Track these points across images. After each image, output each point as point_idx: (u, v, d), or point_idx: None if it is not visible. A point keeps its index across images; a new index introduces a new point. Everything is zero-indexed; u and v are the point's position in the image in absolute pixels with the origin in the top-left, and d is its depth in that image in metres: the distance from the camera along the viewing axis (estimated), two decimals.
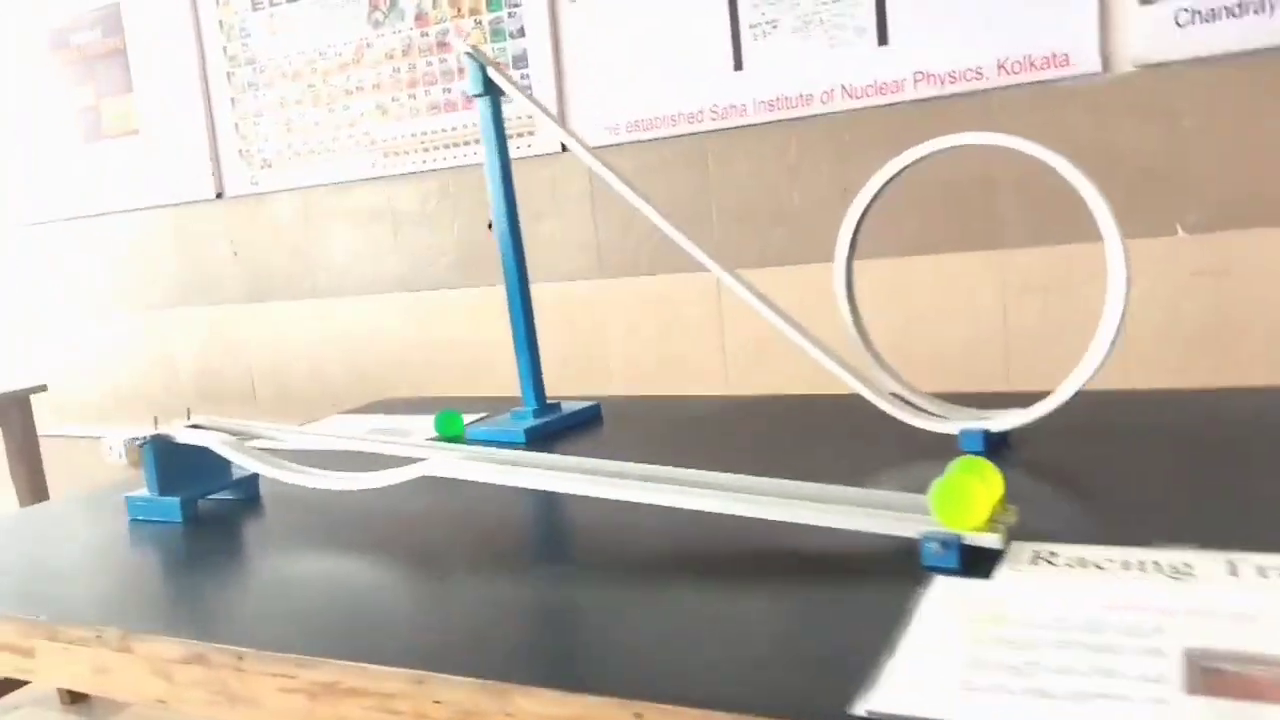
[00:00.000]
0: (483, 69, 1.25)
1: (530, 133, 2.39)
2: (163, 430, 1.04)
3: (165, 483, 1.02)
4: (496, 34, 2.39)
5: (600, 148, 2.32)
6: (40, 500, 2.45)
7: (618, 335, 2.38)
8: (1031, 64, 1.85)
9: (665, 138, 2.24)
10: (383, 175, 2.61)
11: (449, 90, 2.48)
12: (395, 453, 0.98)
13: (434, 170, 2.54)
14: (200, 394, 3.03)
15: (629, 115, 2.27)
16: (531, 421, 1.26)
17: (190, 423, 1.06)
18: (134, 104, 2.93)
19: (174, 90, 2.86)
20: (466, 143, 2.48)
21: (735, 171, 2.18)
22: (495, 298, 2.51)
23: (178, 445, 1.03)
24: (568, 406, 1.34)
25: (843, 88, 2.02)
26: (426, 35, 2.48)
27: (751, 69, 2.11)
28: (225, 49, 2.76)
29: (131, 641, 0.73)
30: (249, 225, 2.85)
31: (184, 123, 2.86)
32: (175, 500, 1.01)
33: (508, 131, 2.44)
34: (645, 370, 2.37)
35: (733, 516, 0.77)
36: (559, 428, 1.28)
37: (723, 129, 2.16)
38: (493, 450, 0.93)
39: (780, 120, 2.11)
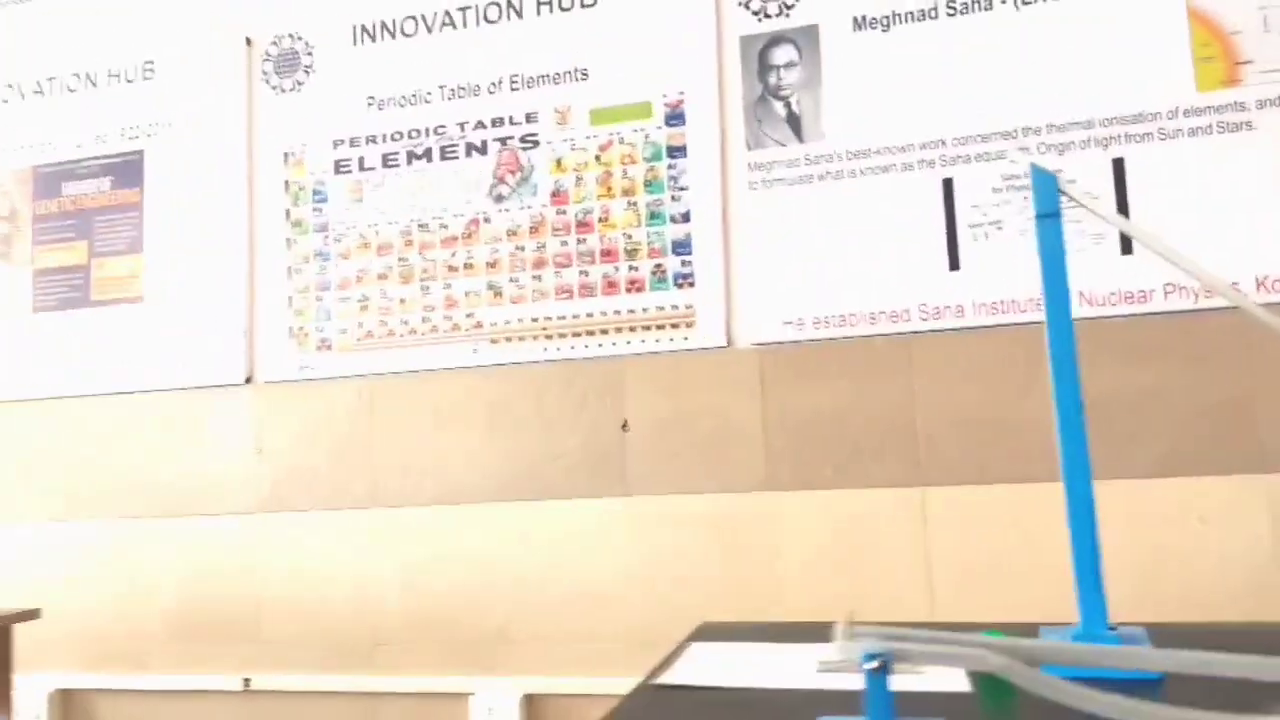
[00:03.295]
0: (1055, 184, 1.03)
1: (688, 324, 2.12)
2: (884, 642, 0.64)
3: None
4: (654, 217, 2.16)
5: (776, 344, 2.08)
6: None
7: (791, 557, 2.05)
8: None
9: (858, 336, 2.04)
10: (484, 364, 2.23)
11: (586, 273, 2.19)
12: None
13: (554, 361, 2.20)
14: (175, 633, 2.35)
15: (815, 310, 2.06)
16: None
17: (875, 635, 0.67)
18: (140, 266, 2.43)
19: (201, 254, 2.39)
20: (604, 330, 2.17)
21: (945, 376, 2.00)
22: (632, 509, 2.13)
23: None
24: (1125, 634, 1.02)
25: (1080, 294, 1.92)
26: (563, 213, 2.21)
27: (970, 269, 1.99)
28: (289, 213, 2.36)
29: None
30: (284, 417, 2.34)
31: (210, 293, 2.37)
32: None
33: (660, 322, 2.20)
34: (820, 596, 2.03)
35: None
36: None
37: (934, 330, 1.99)
38: None
39: (1004, 324, 1.97)
